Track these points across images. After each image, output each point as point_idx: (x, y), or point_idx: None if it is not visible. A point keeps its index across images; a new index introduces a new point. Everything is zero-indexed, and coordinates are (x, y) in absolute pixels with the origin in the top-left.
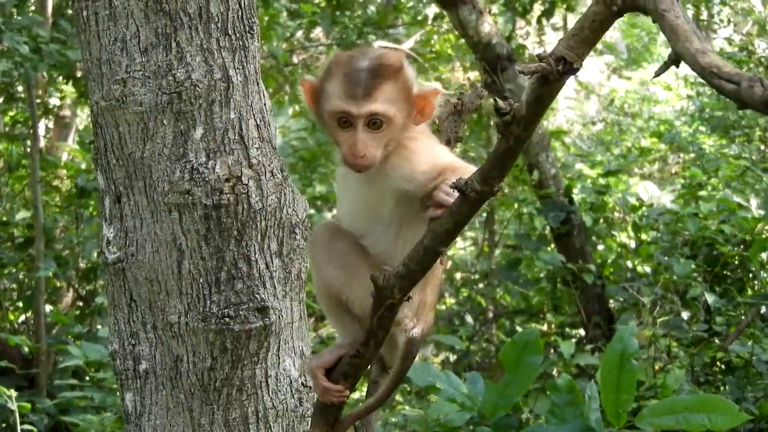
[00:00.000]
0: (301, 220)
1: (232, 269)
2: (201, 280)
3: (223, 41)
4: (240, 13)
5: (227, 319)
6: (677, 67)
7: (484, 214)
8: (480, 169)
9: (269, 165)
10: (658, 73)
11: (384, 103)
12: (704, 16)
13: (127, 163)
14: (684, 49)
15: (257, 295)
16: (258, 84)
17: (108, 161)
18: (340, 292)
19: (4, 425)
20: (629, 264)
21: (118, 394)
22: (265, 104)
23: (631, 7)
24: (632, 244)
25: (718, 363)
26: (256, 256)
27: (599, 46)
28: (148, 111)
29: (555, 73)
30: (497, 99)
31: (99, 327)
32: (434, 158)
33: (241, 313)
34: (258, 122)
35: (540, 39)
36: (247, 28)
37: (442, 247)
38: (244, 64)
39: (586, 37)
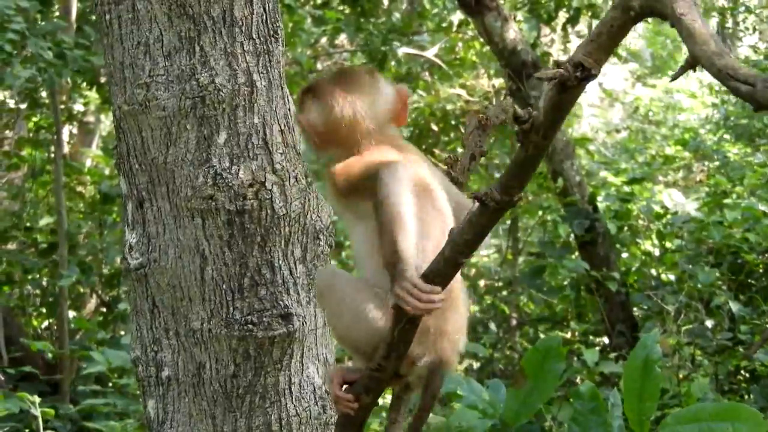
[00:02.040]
0: (325, 226)
1: (255, 275)
2: (224, 287)
3: (247, 45)
4: (264, 17)
5: (250, 326)
6: (694, 70)
7: (508, 222)
8: (500, 178)
9: (293, 170)
10: (675, 76)
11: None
12: (729, 24)
13: (150, 168)
14: (701, 52)
15: (281, 302)
16: (282, 89)
17: (131, 166)
18: (347, 338)
19: (27, 431)
20: (653, 272)
21: (140, 400)
22: (289, 109)
23: (649, 12)
24: (656, 252)
25: (742, 371)
26: (280, 262)
27: (624, 53)
28: (172, 116)
29: (573, 80)
30: (516, 107)
31: (122, 333)
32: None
33: (264, 319)
34: (282, 127)
35: (564, 46)
36: (272, 32)
37: (462, 258)
38: (268, 68)
39: (604, 42)
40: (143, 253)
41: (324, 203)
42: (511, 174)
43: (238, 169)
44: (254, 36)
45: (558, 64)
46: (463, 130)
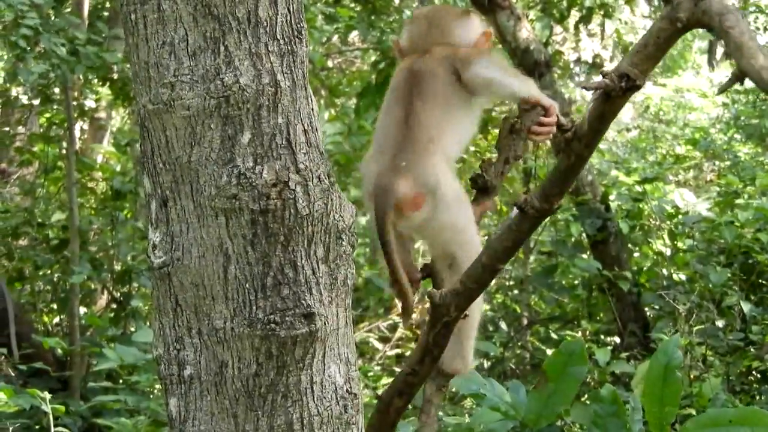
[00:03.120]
0: (347, 225)
1: (278, 275)
2: (247, 286)
3: (271, 46)
4: (288, 18)
5: (273, 325)
6: (741, 83)
7: None
8: (541, 186)
9: (316, 170)
10: (722, 89)
11: None
12: None
13: (174, 167)
14: (749, 66)
15: (303, 301)
16: (306, 89)
17: (155, 165)
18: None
19: (38, 427)
20: (665, 272)
21: (151, 397)
22: (312, 109)
23: (696, 24)
24: (668, 251)
25: (754, 372)
26: (303, 261)
27: None
28: (196, 115)
29: (618, 90)
30: (560, 116)
31: (133, 330)
32: None
33: (287, 319)
34: (305, 127)
35: (576, 45)
36: (296, 33)
37: (500, 264)
38: (292, 68)
39: (651, 53)
40: (167, 251)
41: (347, 203)
42: (552, 182)
43: (262, 169)
44: (279, 36)
45: (603, 74)
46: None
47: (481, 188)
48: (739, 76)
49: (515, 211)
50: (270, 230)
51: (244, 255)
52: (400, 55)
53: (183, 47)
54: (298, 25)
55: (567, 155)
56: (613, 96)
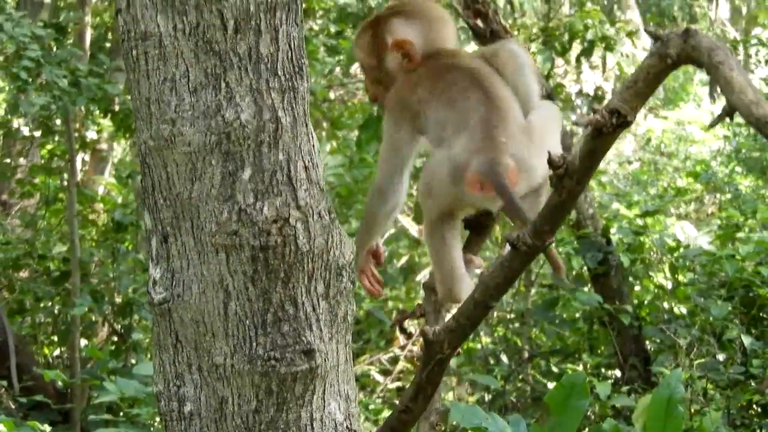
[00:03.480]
0: (348, 262)
1: (278, 311)
2: (247, 322)
3: (272, 82)
4: (289, 54)
5: (273, 362)
6: (731, 119)
7: None
8: (532, 223)
9: (317, 207)
10: (712, 125)
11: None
12: (741, 56)
13: (175, 203)
14: (739, 101)
15: (303, 338)
16: (307, 125)
17: (155, 201)
18: None
19: None
20: (666, 305)
21: (152, 430)
22: (313, 146)
23: (686, 60)
24: (669, 285)
25: (754, 406)
26: (303, 298)
27: None
28: (197, 151)
29: (609, 126)
30: (550, 152)
31: (133, 362)
32: None
33: (287, 355)
34: (306, 164)
35: (578, 77)
36: (297, 69)
37: (492, 301)
38: (293, 105)
39: (641, 90)
40: (167, 287)
41: (347, 239)
42: (544, 218)
43: (263, 205)
44: (280, 73)
45: (594, 110)
46: None
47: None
48: (729, 112)
49: (507, 247)
50: (270, 266)
51: (245, 291)
52: (413, 58)
53: (184, 83)
54: (299, 62)
55: (558, 191)
56: (604, 132)
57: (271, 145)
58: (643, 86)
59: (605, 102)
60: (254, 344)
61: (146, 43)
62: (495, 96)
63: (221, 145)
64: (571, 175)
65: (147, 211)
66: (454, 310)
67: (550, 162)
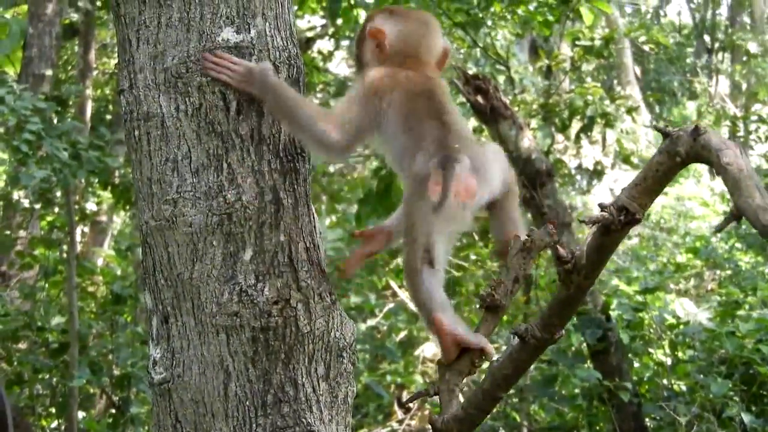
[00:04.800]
0: (348, 343)
1: (278, 392)
2: (247, 403)
3: (274, 163)
4: (291, 135)
5: None
6: (738, 222)
7: None
8: (541, 316)
9: (318, 288)
10: (719, 229)
11: None
12: (741, 132)
13: (176, 283)
14: (746, 205)
15: (304, 419)
16: (308, 206)
17: (156, 281)
18: None
19: None
20: (666, 382)
21: None
22: (314, 226)
23: (695, 158)
24: (669, 361)
25: None
26: (303, 379)
27: (636, 160)
28: (198, 232)
29: (617, 223)
30: (558, 247)
31: None
32: None
33: None
34: (307, 245)
35: (577, 152)
36: (299, 150)
37: (500, 392)
38: (295, 186)
39: (649, 187)
40: (167, 368)
41: (348, 321)
42: (553, 312)
43: (264, 287)
44: (281, 154)
45: (602, 208)
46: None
47: (489, 306)
48: (736, 215)
49: (515, 339)
50: (271, 348)
51: (245, 372)
52: (384, 48)
53: (186, 164)
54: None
55: (566, 286)
56: (612, 229)
57: (272, 226)
58: (651, 183)
59: (604, 177)
60: (254, 426)
61: (149, 123)
62: (450, 122)
63: (222, 225)
64: (579, 270)
65: (148, 291)
66: (466, 389)
67: (558, 257)
